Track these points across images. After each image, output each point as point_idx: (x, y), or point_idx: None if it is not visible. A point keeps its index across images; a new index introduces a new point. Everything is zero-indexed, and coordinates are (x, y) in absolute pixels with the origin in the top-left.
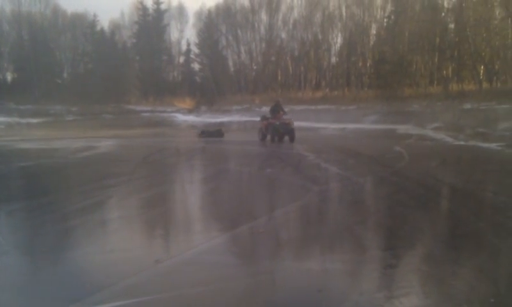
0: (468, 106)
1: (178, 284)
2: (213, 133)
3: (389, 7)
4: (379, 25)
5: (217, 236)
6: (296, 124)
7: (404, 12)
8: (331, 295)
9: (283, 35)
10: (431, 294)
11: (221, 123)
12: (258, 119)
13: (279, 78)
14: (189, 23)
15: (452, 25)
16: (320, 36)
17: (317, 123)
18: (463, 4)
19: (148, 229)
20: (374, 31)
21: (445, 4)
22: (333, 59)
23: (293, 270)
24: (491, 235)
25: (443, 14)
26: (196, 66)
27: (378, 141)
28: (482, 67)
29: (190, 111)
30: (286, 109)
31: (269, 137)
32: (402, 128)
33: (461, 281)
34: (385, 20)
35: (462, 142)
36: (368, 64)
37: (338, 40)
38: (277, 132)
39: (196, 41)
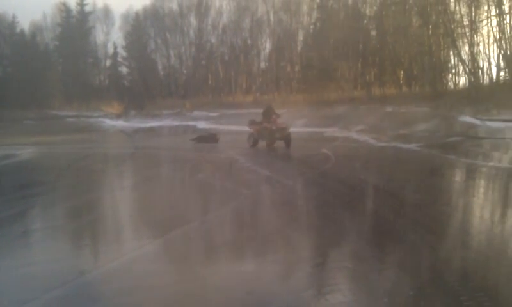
0: (389, 109)
1: (103, 296)
2: (207, 138)
3: (315, 14)
4: (306, 31)
5: (145, 244)
6: (228, 128)
7: (329, 19)
8: (260, 297)
9: (213, 39)
10: (355, 290)
11: (151, 128)
12: (191, 123)
13: (210, 82)
14: (116, 25)
15: (374, 33)
16: (249, 41)
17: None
18: (384, 13)
19: (73, 240)
20: (301, 37)
21: (367, 12)
22: (263, 64)
23: (223, 274)
24: (409, 231)
25: (365, 21)
26: (124, 69)
27: (307, 144)
28: (401, 72)
29: (118, 116)
30: (214, 114)
31: (262, 142)
32: (329, 131)
33: (383, 276)
34: (311, 26)
35: (384, 144)
36: (296, 69)
37: (267, 45)
38: (273, 136)
39: (124, 44)
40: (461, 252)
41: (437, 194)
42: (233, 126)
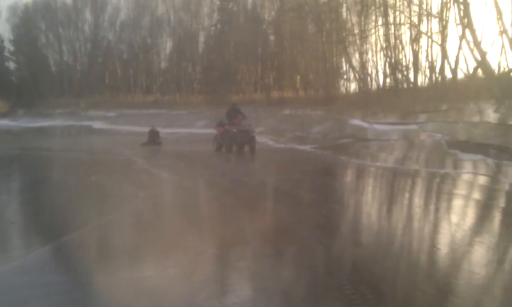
0: (287, 112)
1: None
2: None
3: (215, 16)
4: (207, 32)
5: (28, 253)
6: (126, 129)
7: (229, 22)
8: (152, 302)
9: (110, 37)
10: (248, 290)
11: (41, 128)
12: (86, 123)
13: (107, 80)
14: (2, 17)
15: (272, 37)
16: (149, 40)
17: (148, 127)
18: (281, 18)
19: None
20: (202, 38)
21: (266, 17)
22: (163, 64)
23: (113, 281)
24: (302, 229)
25: (264, 26)
26: (11, 64)
27: (208, 145)
28: (298, 77)
29: (4, 115)
30: (111, 114)
31: (225, 147)
32: None
33: (275, 274)
34: (212, 28)
35: (282, 145)
36: (197, 70)
37: (167, 45)
38: (234, 141)
39: (11, 37)
40: (349, 248)
41: (329, 193)
42: (133, 127)
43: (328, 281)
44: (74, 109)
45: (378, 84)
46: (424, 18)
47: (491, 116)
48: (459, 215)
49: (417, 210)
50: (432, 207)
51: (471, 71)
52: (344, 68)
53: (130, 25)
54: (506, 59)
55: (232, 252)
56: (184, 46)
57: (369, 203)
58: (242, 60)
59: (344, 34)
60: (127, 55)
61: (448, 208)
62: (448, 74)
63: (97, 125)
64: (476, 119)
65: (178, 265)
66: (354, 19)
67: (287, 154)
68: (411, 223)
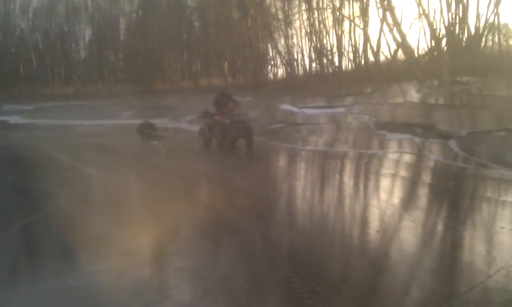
0: None
1: None
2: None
3: (136, 2)
4: (127, 19)
5: None
6: (46, 123)
7: (151, 8)
8: None
9: (23, 25)
10: (188, 293)
11: None
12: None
13: (22, 72)
14: None
15: (197, 23)
16: (65, 28)
17: (70, 120)
18: (205, 4)
19: None
20: (123, 25)
21: (189, 2)
22: (83, 53)
23: (40, 290)
24: (241, 220)
25: (188, 12)
26: None
27: (135, 136)
28: (226, 63)
29: None
30: (28, 107)
31: (215, 142)
32: (159, 122)
33: (217, 272)
34: (134, 14)
35: None
36: (120, 59)
37: (86, 33)
38: (228, 134)
39: None
40: (291, 237)
41: (265, 180)
42: (53, 120)
43: (273, 275)
44: None
45: (305, 69)
46: (346, 2)
47: (414, 96)
48: (390, 193)
49: (351, 191)
50: (365, 187)
51: (392, 53)
52: (271, 54)
53: (44, 12)
54: (426, 40)
55: (169, 251)
56: (104, 33)
57: (304, 188)
58: (167, 47)
59: (268, 19)
60: (42, 45)
61: (381, 187)
62: (371, 57)
63: (13, 119)
64: (400, 100)
65: (107, 271)
66: (278, 4)
67: None
68: (346, 205)
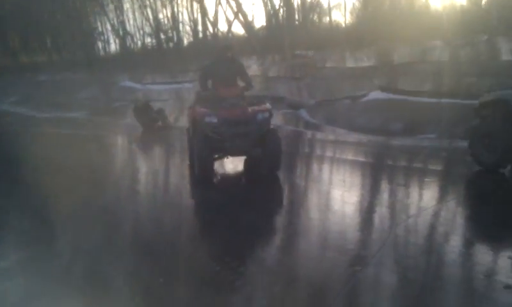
0: (43, 78)
1: None
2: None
3: None
4: None
5: None
6: None
7: None
8: None
9: None
10: None
11: None
12: None
13: None
14: None
15: None
16: None
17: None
18: None
19: None
20: None
21: None
22: None
23: None
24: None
25: None
26: None
27: None
28: (48, 39)
29: None
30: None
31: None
32: None
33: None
34: None
35: (47, 115)
36: None
37: None
38: (218, 147)
39: None
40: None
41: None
42: None
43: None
44: None
45: (142, 45)
46: None
47: (257, 69)
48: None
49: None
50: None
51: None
52: (101, 29)
53: None
54: (265, 15)
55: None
56: None
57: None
58: None
59: None
60: None
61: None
62: (211, 30)
63: None
64: None
65: None
66: None
67: (54, 123)
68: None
